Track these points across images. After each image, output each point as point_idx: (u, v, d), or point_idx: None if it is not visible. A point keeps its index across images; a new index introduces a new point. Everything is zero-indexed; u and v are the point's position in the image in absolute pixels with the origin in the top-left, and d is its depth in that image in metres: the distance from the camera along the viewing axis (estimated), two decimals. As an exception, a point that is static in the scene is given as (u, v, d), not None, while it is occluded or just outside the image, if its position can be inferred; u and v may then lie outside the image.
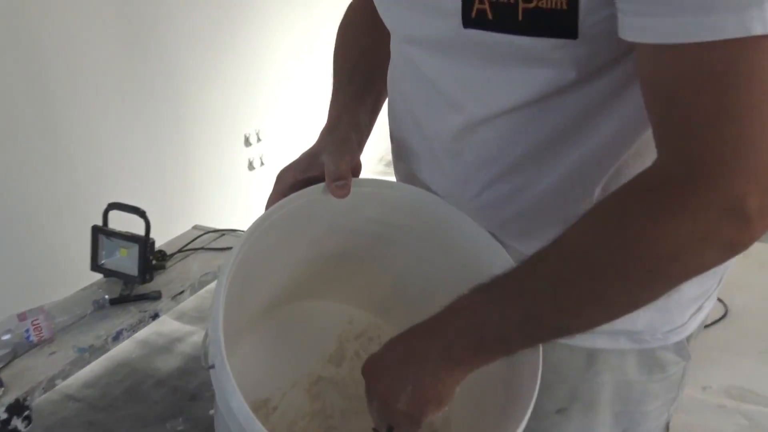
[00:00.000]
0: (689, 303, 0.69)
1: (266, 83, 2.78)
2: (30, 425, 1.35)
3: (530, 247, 0.56)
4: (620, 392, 0.71)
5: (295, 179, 0.69)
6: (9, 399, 1.31)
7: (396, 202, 0.72)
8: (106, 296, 1.63)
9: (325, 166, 0.68)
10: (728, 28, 0.43)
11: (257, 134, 2.78)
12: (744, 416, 1.76)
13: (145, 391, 1.96)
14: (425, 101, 0.68)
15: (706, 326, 0.76)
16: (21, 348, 1.47)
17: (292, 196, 0.67)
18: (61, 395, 1.96)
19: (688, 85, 0.46)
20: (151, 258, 1.67)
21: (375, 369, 0.60)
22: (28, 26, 1.90)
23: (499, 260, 0.65)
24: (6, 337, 1.47)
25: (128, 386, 2.05)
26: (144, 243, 1.63)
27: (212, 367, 0.57)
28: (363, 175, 0.71)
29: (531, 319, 0.55)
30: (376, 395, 0.60)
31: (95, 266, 1.71)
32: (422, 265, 0.77)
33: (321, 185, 0.67)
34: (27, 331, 1.47)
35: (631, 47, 0.51)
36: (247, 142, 2.76)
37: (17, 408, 1.32)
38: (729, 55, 0.45)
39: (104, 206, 1.70)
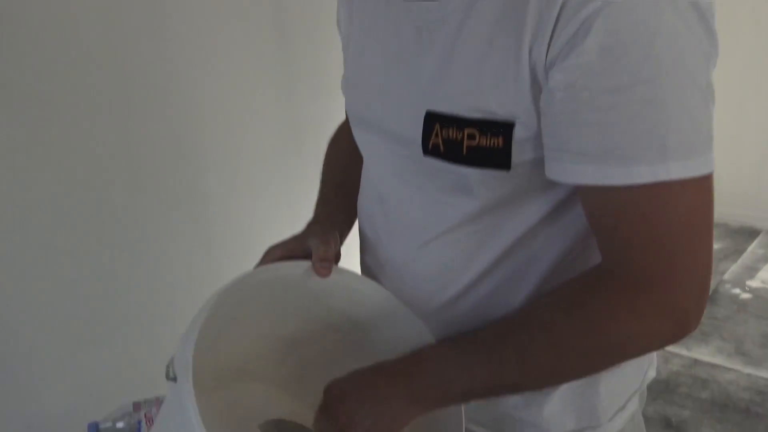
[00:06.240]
0: (611, 400, 0.78)
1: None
2: None
3: None
4: None
5: (282, 257, 0.77)
6: None
7: (361, 297, 0.79)
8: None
9: (313, 248, 0.76)
10: (644, 174, 0.56)
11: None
12: None
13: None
14: (384, 221, 0.81)
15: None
16: (133, 441, 1.25)
17: (280, 264, 0.75)
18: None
19: (621, 219, 0.60)
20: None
21: (339, 391, 0.68)
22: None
23: None
24: (120, 424, 1.26)
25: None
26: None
27: (174, 379, 0.59)
28: None
29: (496, 380, 0.66)
30: (333, 414, 0.66)
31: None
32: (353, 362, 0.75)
33: (306, 263, 0.75)
34: (139, 423, 1.24)
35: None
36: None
37: None
38: (648, 196, 0.57)
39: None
